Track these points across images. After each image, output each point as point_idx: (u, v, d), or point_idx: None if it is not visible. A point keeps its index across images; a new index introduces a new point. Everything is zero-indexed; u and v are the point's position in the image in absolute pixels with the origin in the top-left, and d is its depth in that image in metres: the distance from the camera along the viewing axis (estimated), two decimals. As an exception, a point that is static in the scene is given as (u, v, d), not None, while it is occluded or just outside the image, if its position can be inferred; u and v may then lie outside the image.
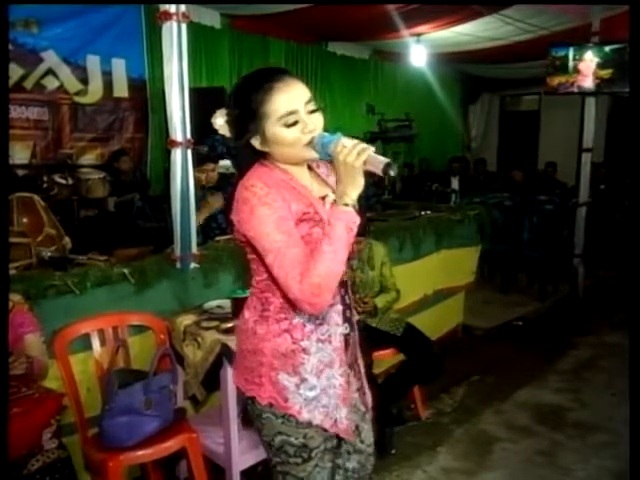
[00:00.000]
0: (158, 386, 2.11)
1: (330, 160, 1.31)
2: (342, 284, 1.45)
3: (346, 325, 1.47)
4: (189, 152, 2.53)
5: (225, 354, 2.19)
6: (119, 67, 5.45)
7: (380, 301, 2.85)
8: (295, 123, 1.30)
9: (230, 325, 2.28)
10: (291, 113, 1.29)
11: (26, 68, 4.84)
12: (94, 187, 4.68)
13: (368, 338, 2.32)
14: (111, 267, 2.42)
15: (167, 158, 2.62)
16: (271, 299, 1.40)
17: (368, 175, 1.29)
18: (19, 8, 4.54)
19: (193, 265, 2.61)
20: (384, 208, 4.55)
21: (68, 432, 2.16)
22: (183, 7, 2.43)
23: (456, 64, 8.37)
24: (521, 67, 7.50)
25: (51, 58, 4.99)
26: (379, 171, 1.24)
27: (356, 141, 1.26)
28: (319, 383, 1.41)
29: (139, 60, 5.55)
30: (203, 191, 3.55)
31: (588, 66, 5.02)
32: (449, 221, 4.07)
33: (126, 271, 2.40)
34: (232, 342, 2.18)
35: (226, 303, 2.50)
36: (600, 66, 4.99)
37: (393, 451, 2.80)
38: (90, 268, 2.40)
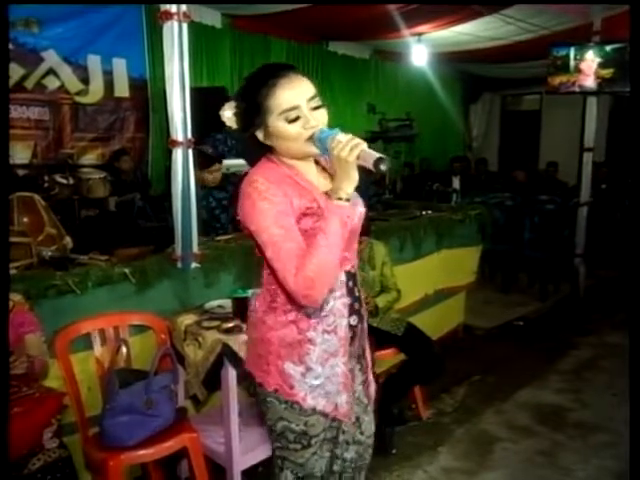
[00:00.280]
0: (159, 386, 2.11)
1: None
2: (351, 277, 1.49)
3: (354, 317, 1.50)
4: (190, 152, 2.53)
5: (226, 354, 2.19)
6: (120, 67, 5.45)
7: (381, 301, 2.85)
8: (297, 118, 1.33)
9: (231, 325, 2.29)
10: (293, 108, 1.32)
11: (27, 68, 4.83)
12: (95, 187, 4.68)
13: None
14: (112, 267, 2.42)
15: (168, 158, 2.62)
16: (279, 291, 1.43)
17: (368, 173, 1.30)
18: (20, 8, 4.54)
19: (194, 265, 2.61)
20: (385, 208, 4.55)
21: (69, 431, 2.16)
22: (184, 7, 2.43)
23: (457, 64, 8.36)
24: (522, 67, 7.49)
25: (52, 58, 4.99)
26: (370, 166, 1.25)
27: (350, 136, 1.28)
28: (323, 372, 1.45)
29: (140, 60, 5.55)
30: (205, 190, 3.55)
31: (589, 65, 5.01)
32: (450, 221, 4.07)
33: (127, 271, 2.40)
34: (233, 342, 2.19)
35: (227, 303, 2.50)
36: (601, 65, 4.98)
37: (394, 451, 2.80)
38: (91, 268, 2.40)
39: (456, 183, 5.07)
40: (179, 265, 2.58)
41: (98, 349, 2.28)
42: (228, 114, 1.45)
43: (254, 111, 1.36)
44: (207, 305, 2.53)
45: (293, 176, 1.40)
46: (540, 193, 5.92)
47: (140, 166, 5.65)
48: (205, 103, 4.78)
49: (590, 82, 5.06)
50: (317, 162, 1.49)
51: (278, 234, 1.30)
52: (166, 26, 2.42)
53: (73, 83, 5.18)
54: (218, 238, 3.16)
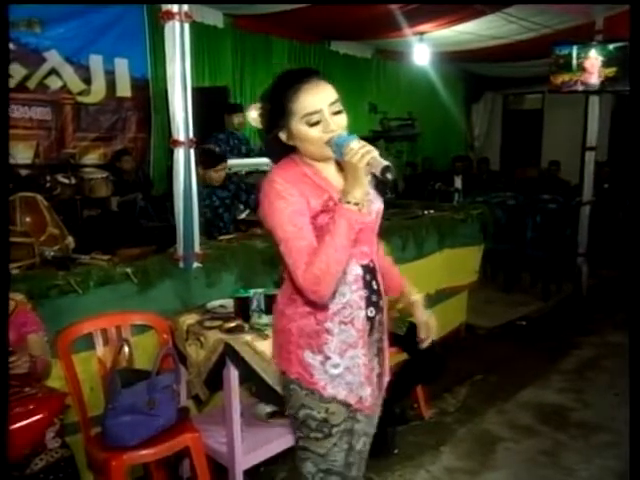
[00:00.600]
0: (161, 386, 2.11)
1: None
2: (369, 270, 1.55)
3: (371, 308, 1.55)
4: (192, 151, 2.53)
5: (228, 354, 2.19)
6: (122, 67, 5.44)
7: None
8: (318, 122, 1.39)
9: (233, 325, 2.29)
10: (315, 112, 1.39)
11: (29, 68, 4.83)
12: (97, 187, 4.69)
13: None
14: (114, 267, 2.42)
15: (170, 158, 2.62)
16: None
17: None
18: (22, 8, 4.54)
19: (196, 265, 2.61)
20: (387, 207, 4.53)
21: (71, 431, 2.16)
22: (186, 7, 2.43)
23: (459, 63, 8.35)
24: (524, 66, 7.48)
25: (54, 58, 4.99)
26: (378, 173, 1.33)
27: (363, 143, 1.35)
28: (343, 362, 1.50)
29: (142, 60, 5.55)
30: (208, 189, 3.55)
31: (593, 64, 5.00)
32: (452, 220, 4.06)
33: (129, 270, 2.40)
34: (235, 342, 2.19)
35: (229, 303, 2.50)
36: (604, 64, 4.97)
37: (396, 451, 2.80)
38: (93, 268, 2.40)
39: (458, 182, 5.07)
40: (181, 265, 2.58)
41: (100, 349, 2.29)
42: (253, 114, 1.51)
43: (278, 113, 1.43)
44: (209, 305, 2.53)
45: (311, 175, 1.46)
46: (542, 192, 5.91)
47: (142, 166, 5.65)
48: (207, 103, 4.81)
49: (594, 80, 5.05)
50: (338, 162, 1.51)
51: (291, 231, 1.37)
52: (168, 26, 2.42)
53: (75, 83, 5.18)
54: (220, 238, 3.16)
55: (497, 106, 10.11)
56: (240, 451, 2.31)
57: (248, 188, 3.89)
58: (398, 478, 2.63)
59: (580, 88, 5.18)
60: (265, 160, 5.12)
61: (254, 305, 2.41)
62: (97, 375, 2.28)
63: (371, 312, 1.55)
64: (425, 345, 1.65)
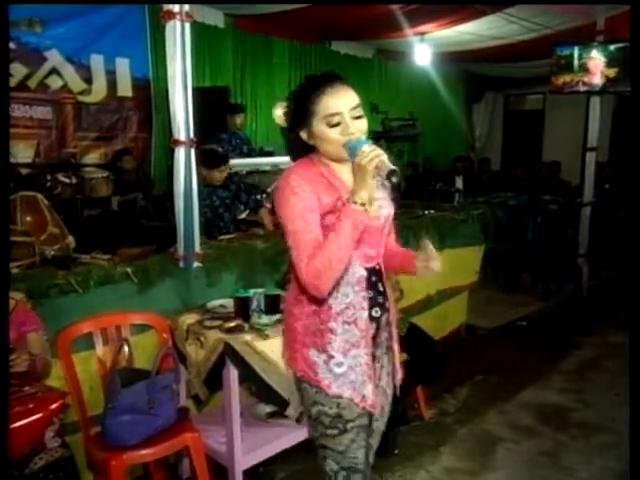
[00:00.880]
0: (161, 385, 2.11)
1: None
2: (374, 273, 1.59)
3: (376, 309, 1.59)
4: (192, 151, 2.53)
5: (228, 353, 2.19)
6: (123, 66, 5.45)
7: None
8: (338, 124, 1.45)
9: (233, 324, 2.29)
10: (335, 114, 1.45)
11: (30, 67, 4.84)
12: (97, 186, 4.69)
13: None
14: (114, 266, 2.42)
15: (170, 157, 2.62)
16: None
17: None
18: (23, 7, 4.54)
19: (196, 264, 2.61)
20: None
21: (71, 431, 2.16)
22: (186, 6, 2.43)
23: (460, 63, 8.35)
24: (525, 66, 7.48)
25: (55, 57, 4.99)
26: (384, 177, 1.40)
27: (375, 147, 1.41)
28: (346, 361, 1.54)
29: (143, 59, 5.55)
30: (209, 189, 3.55)
31: (597, 64, 5.00)
32: (453, 220, 4.06)
33: (129, 270, 2.40)
34: (235, 341, 2.19)
35: (229, 302, 2.50)
36: (606, 65, 4.97)
37: (396, 451, 2.80)
38: (93, 267, 2.40)
39: (459, 183, 5.06)
40: (181, 264, 2.58)
41: (100, 348, 2.28)
42: (279, 112, 1.56)
43: (301, 113, 1.49)
44: (209, 305, 2.53)
45: (327, 175, 1.52)
46: (543, 193, 5.91)
47: (143, 165, 5.65)
48: (208, 103, 4.81)
49: (597, 80, 5.05)
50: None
51: (300, 225, 1.43)
52: (169, 26, 2.42)
53: (76, 82, 5.18)
54: (220, 238, 3.16)
55: (498, 106, 10.10)
56: (240, 451, 2.31)
57: (248, 188, 3.89)
58: (398, 478, 2.63)
59: (582, 89, 5.18)
60: (266, 160, 5.16)
61: (254, 305, 2.41)
62: (97, 374, 2.28)
63: (376, 312, 1.59)
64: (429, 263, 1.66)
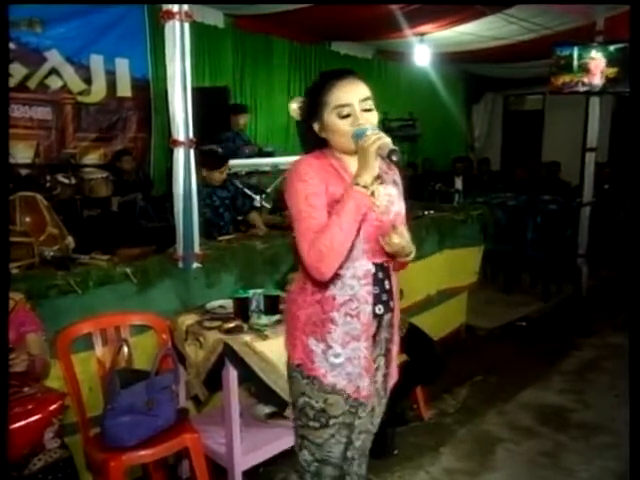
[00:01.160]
0: (160, 386, 2.11)
1: None
2: (382, 269, 1.60)
3: (380, 306, 1.60)
4: (191, 152, 2.53)
5: (227, 354, 2.19)
6: (122, 67, 5.45)
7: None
8: (348, 115, 1.49)
9: (232, 325, 2.28)
10: (345, 105, 1.49)
11: (30, 67, 4.83)
12: (97, 187, 4.69)
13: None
14: (113, 267, 2.42)
15: (170, 158, 2.62)
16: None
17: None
18: (22, 7, 4.54)
19: (195, 265, 2.61)
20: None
21: (70, 432, 2.16)
22: (186, 6, 2.43)
23: (460, 64, 8.35)
24: (525, 67, 7.48)
25: (55, 57, 4.99)
26: (385, 156, 1.41)
27: (378, 131, 1.45)
28: (344, 352, 1.56)
29: (142, 60, 5.55)
30: (209, 189, 3.56)
31: (597, 64, 5.00)
32: (452, 221, 4.06)
33: (128, 271, 2.40)
34: (234, 342, 2.19)
35: (228, 303, 2.50)
36: (605, 65, 4.97)
37: (395, 452, 2.80)
38: (92, 268, 2.40)
39: (458, 183, 5.07)
40: (180, 265, 2.58)
41: (99, 349, 2.28)
42: (294, 106, 1.60)
43: (314, 105, 1.53)
44: (208, 305, 2.53)
45: (337, 167, 1.55)
46: (543, 193, 5.91)
47: (142, 166, 5.65)
48: (207, 103, 4.82)
49: (597, 80, 5.05)
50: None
51: (305, 210, 1.46)
52: (168, 25, 2.42)
53: (76, 83, 5.18)
54: (220, 238, 3.16)
55: (498, 107, 10.11)
56: (239, 452, 2.31)
57: (246, 193, 3.90)
58: (397, 479, 2.62)
59: (581, 89, 5.18)
60: (265, 161, 5.17)
61: (253, 305, 2.41)
62: (96, 375, 2.28)
63: (379, 310, 1.60)
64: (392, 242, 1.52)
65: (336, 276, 1.52)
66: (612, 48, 4.94)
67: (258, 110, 6.58)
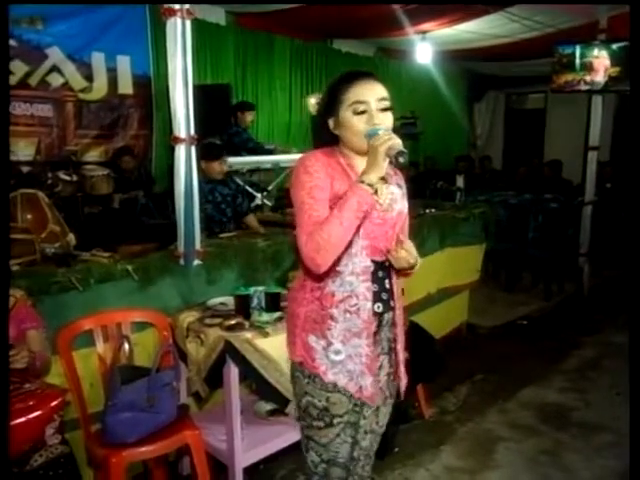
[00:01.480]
0: (161, 383, 2.11)
1: None
2: (381, 267, 1.59)
3: (379, 304, 1.59)
4: (193, 148, 2.53)
5: (228, 351, 2.19)
6: (124, 64, 5.44)
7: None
8: (363, 112, 1.49)
9: (233, 322, 2.28)
10: (361, 102, 1.49)
11: (31, 65, 4.83)
12: (98, 184, 4.69)
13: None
14: (115, 264, 2.42)
15: (171, 155, 2.62)
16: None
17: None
18: (24, 5, 4.54)
19: (197, 262, 2.61)
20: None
21: (71, 428, 2.16)
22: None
23: (461, 62, 8.34)
24: (527, 65, 7.47)
25: (56, 55, 4.98)
26: (392, 157, 1.41)
27: (390, 132, 1.45)
28: (345, 349, 1.55)
29: (144, 57, 5.54)
30: (210, 185, 3.55)
31: (601, 62, 4.99)
32: (454, 219, 4.05)
33: (130, 268, 2.40)
34: (235, 339, 2.19)
35: (229, 300, 2.50)
36: (609, 64, 4.96)
37: (396, 449, 2.80)
38: (93, 264, 2.40)
39: (460, 182, 5.06)
40: (182, 262, 2.58)
41: (100, 346, 2.28)
42: (312, 102, 1.60)
43: (332, 101, 1.54)
44: (209, 302, 2.53)
45: (345, 165, 1.55)
46: (544, 192, 5.90)
47: (144, 163, 5.65)
48: (209, 101, 4.82)
49: (599, 79, 5.04)
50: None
51: (307, 202, 1.46)
52: (169, 23, 2.41)
53: (77, 80, 5.17)
54: (221, 235, 3.16)
55: (499, 105, 10.09)
56: (240, 449, 2.31)
57: (247, 191, 3.90)
58: (398, 477, 2.62)
59: (583, 88, 5.17)
60: (266, 158, 5.17)
61: (254, 303, 2.41)
62: (97, 372, 2.28)
63: (378, 308, 1.59)
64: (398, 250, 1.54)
65: (335, 272, 1.52)
66: (615, 47, 4.93)
67: (259, 108, 6.58)
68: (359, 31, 6.68)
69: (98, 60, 5.26)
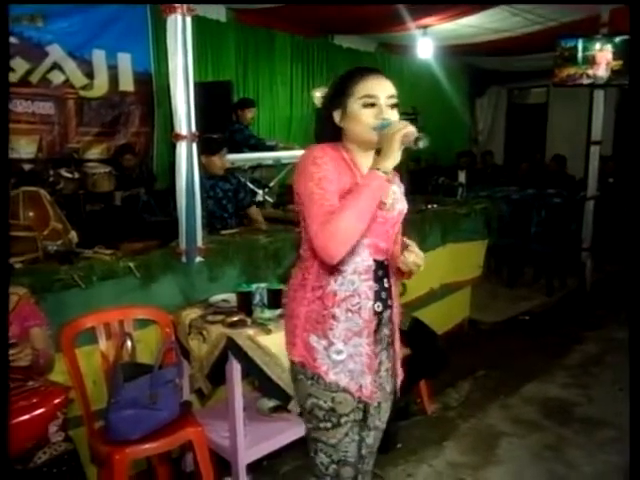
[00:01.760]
0: (164, 380, 2.11)
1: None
2: (381, 267, 1.59)
3: (378, 304, 1.59)
4: (194, 146, 2.52)
5: (230, 348, 2.19)
6: (125, 61, 5.43)
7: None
8: (373, 105, 1.49)
9: (235, 319, 2.28)
10: (372, 96, 1.49)
11: (32, 62, 4.82)
12: (100, 181, 4.70)
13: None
14: (117, 261, 2.42)
15: (173, 152, 2.62)
16: (310, 268, 1.56)
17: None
18: (24, 5, 4.54)
19: (198, 259, 2.61)
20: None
21: (74, 425, 2.17)
22: (188, 0, 2.42)
23: (463, 57, 8.31)
24: (529, 59, 7.44)
25: (56, 52, 4.97)
26: (412, 143, 1.40)
27: (405, 122, 1.44)
28: (346, 349, 1.54)
29: (145, 54, 5.54)
30: (212, 181, 3.55)
31: (603, 55, 4.96)
32: (456, 215, 4.05)
33: (132, 265, 2.40)
34: (238, 336, 2.19)
35: (232, 297, 2.50)
36: (611, 57, 4.95)
37: (399, 445, 2.80)
38: (96, 262, 2.40)
39: (462, 177, 5.06)
40: (183, 259, 2.58)
41: (103, 343, 2.29)
42: (318, 94, 1.59)
43: (339, 93, 1.53)
44: (212, 299, 2.53)
45: (348, 160, 1.54)
46: (547, 187, 5.89)
47: (145, 160, 5.65)
48: (210, 97, 4.82)
49: (602, 72, 5.02)
50: (377, 153, 1.57)
51: (317, 193, 1.43)
52: (170, 19, 2.41)
53: (78, 77, 5.17)
54: (223, 232, 3.16)
55: (501, 100, 10.05)
56: (243, 445, 2.31)
57: (247, 187, 3.90)
58: (401, 472, 2.63)
59: (585, 81, 5.15)
60: (268, 155, 5.17)
61: (257, 299, 2.41)
62: (100, 369, 2.28)
63: (378, 307, 1.59)
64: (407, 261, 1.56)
65: (337, 272, 1.52)
66: (617, 40, 4.91)
67: (261, 104, 6.57)
68: (360, 26, 6.66)
69: (99, 57, 5.25)
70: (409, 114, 6.84)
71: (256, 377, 2.33)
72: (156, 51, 5.52)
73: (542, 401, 3.29)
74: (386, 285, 1.61)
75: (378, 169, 1.40)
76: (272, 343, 2.17)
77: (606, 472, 2.62)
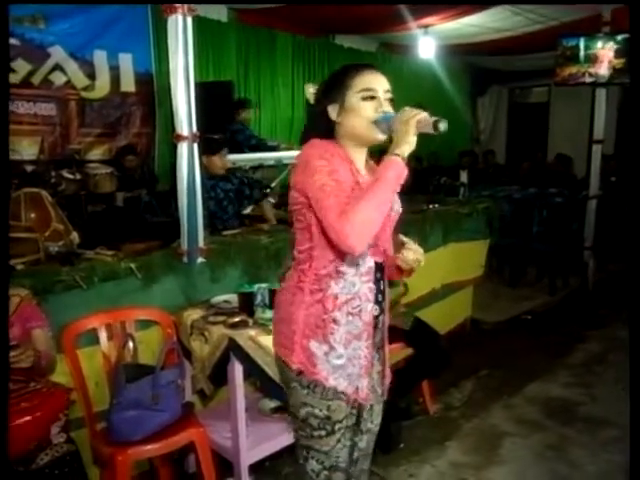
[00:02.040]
0: (166, 380, 2.11)
1: (390, 137, 1.44)
2: (379, 268, 1.57)
3: (376, 307, 1.56)
4: (195, 146, 2.52)
5: (232, 349, 2.19)
6: (126, 62, 5.44)
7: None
8: (372, 98, 1.47)
9: (237, 320, 2.28)
10: (371, 89, 1.48)
11: (33, 64, 4.83)
12: (102, 182, 4.70)
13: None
14: (118, 262, 2.42)
15: (174, 153, 2.61)
16: (307, 271, 1.51)
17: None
18: (26, 5, 4.54)
19: (200, 260, 2.61)
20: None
21: (76, 426, 2.17)
22: (188, 0, 2.41)
23: (464, 56, 8.29)
24: (530, 59, 7.42)
25: (58, 53, 4.98)
26: (430, 128, 1.39)
27: (415, 109, 1.42)
28: (346, 352, 1.51)
29: (146, 54, 5.54)
30: (212, 181, 3.55)
31: (605, 54, 4.95)
32: (457, 214, 4.04)
33: (133, 266, 2.40)
34: (239, 337, 2.19)
35: (233, 298, 2.50)
36: (613, 56, 4.94)
37: (401, 445, 2.79)
38: (97, 263, 2.40)
39: (464, 177, 5.03)
40: (185, 260, 2.58)
41: (105, 344, 2.29)
42: (311, 90, 1.56)
43: (336, 86, 1.51)
44: (213, 300, 2.53)
45: (342, 156, 1.50)
46: (548, 186, 5.87)
47: (147, 161, 5.65)
48: (212, 98, 4.81)
49: (604, 71, 5.01)
50: (369, 153, 1.60)
51: (330, 184, 1.38)
52: (171, 19, 2.41)
53: (79, 78, 5.17)
54: (224, 233, 3.15)
55: (503, 99, 10.05)
56: (245, 446, 2.31)
57: (251, 182, 3.90)
58: (403, 473, 2.62)
59: (587, 80, 5.14)
60: (269, 155, 5.16)
61: (258, 300, 2.41)
62: (102, 370, 2.28)
63: (376, 310, 1.57)
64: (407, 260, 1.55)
65: (338, 274, 1.49)
66: (619, 38, 4.90)
67: (262, 104, 6.57)
68: (361, 26, 6.65)
69: (100, 58, 5.26)
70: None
71: (258, 378, 2.33)
72: (157, 51, 5.52)
73: (545, 401, 3.28)
74: (382, 287, 1.60)
75: (397, 155, 1.37)
76: (274, 344, 2.16)
77: (609, 471, 2.61)
